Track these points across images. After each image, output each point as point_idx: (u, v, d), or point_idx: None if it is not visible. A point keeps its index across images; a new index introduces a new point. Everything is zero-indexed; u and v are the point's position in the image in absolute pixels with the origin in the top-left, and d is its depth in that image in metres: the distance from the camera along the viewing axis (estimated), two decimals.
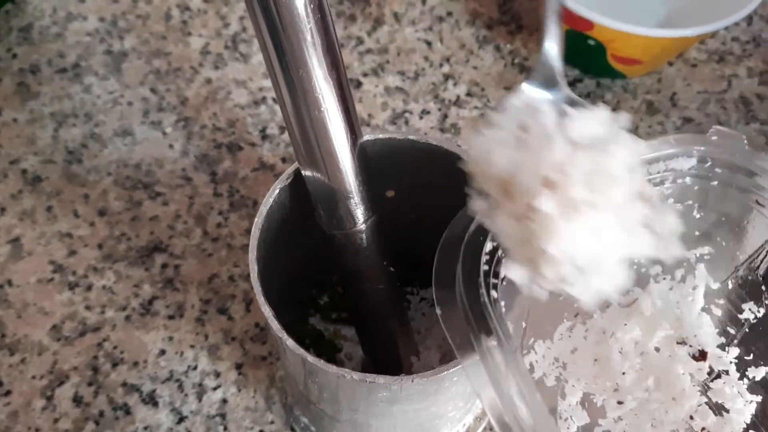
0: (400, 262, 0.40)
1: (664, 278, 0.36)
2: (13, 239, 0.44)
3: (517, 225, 0.21)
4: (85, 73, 0.51)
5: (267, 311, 0.28)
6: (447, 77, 0.51)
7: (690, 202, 0.33)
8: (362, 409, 0.30)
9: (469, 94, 0.51)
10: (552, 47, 0.25)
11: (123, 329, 0.41)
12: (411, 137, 0.31)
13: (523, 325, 0.31)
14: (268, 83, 0.50)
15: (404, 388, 0.27)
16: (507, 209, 0.21)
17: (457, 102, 0.50)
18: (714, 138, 0.31)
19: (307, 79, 0.26)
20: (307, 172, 0.29)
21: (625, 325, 0.35)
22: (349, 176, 0.29)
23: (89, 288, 0.43)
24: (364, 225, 0.30)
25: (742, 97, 0.51)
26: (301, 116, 0.27)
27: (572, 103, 0.24)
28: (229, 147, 0.48)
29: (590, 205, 0.19)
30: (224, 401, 0.40)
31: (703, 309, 0.36)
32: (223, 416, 0.39)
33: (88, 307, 0.42)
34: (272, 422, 0.39)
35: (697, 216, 0.33)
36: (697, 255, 0.35)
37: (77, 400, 0.39)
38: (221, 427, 0.39)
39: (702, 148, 0.31)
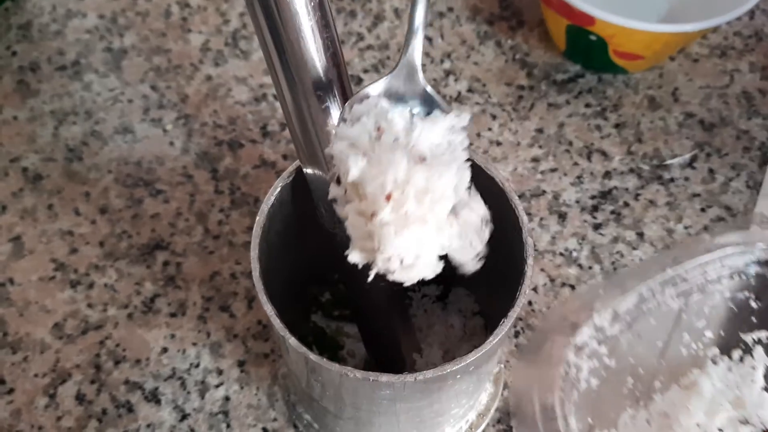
0: None
1: (722, 359, 0.36)
2: (14, 237, 0.44)
3: (363, 222, 0.24)
4: (85, 70, 0.51)
5: (269, 309, 0.28)
6: (448, 73, 0.51)
7: (746, 293, 0.35)
8: (365, 406, 0.30)
9: (470, 90, 0.51)
10: (417, 42, 0.25)
11: (125, 327, 0.41)
12: None
13: (590, 421, 0.32)
14: (268, 80, 0.50)
15: (407, 387, 0.27)
16: (356, 206, 0.25)
17: (458, 98, 0.50)
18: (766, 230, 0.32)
19: (307, 78, 0.26)
20: (308, 170, 0.29)
21: (688, 408, 0.35)
22: None
23: (91, 286, 0.43)
24: None
25: (745, 92, 0.51)
26: (302, 114, 0.27)
27: (428, 101, 0.26)
28: (230, 144, 0.48)
29: (420, 219, 0.24)
30: (227, 399, 0.40)
31: (764, 388, 0.36)
32: (225, 414, 0.39)
33: (90, 305, 0.42)
34: (275, 419, 0.39)
35: (755, 306, 0.35)
36: (755, 338, 0.36)
37: (80, 398, 0.39)
38: (224, 425, 0.39)
39: (759, 243, 0.32)
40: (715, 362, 0.36)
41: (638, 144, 0.48)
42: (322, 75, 0.26)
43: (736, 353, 0.36)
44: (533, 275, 0.44)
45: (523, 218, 0.29)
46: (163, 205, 0.45)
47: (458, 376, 0.28)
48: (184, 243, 0.44)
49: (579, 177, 0.47)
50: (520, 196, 0.46)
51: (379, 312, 0.34)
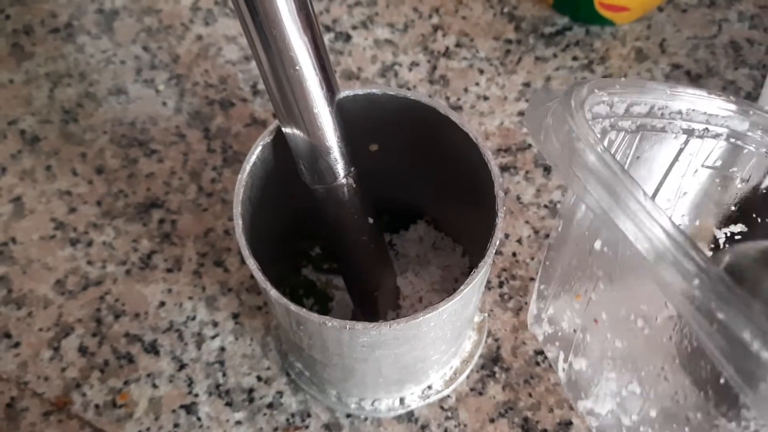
0: (389, 211, 0.41)
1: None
2: (15, 198, 0.46)
3: None
4: (77, 32, 0.51)
5: (252, 264, 0.29)
6: (436, 28, 0.52)
7: (735, 168, 0.31)
8: (347, 353, 0.31)
9: (458, 45, 0.51)
10: None
11: (124, 283, 0.43)
12: (389, 92, 0.32)
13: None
14: None
15: (383, 333, 0.28)
16: None
17: (446, 53, 0.51)
18: None
19: (281, 38, 0.27)
20: (287, 129, 0.30)
21: None
22: (327, 132, 0.30)
23: (90, 244, 0.44)
24: (344, 179, 0.31)
25: (732, 41, 0.51)
26: (277, 75, 0.28)
27: None
28: (221, 103, 0.49)
29: None
30: (222, 349, 0.41)
31: None
32: (221, 363, 0.41)
33: (89, 262, 0.44)
34: (268, 368, 0.41)
35: (739, 185, 0.32)
36: (728, 234, 0.32)
37: (83, 350, 0.41)
38: (220, 374, 0.41)
39: (757, 112, 0.30)
40: None
41: None
42: (295, 37, 0.27)
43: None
44: (519, 228, 0.45)
45: (495, 171, 0.30)
46: (157, 164, 0.47)
47: (432, 324, 0.29)
48: (179, 201, 0.45)
49: None
50: (506, 150, 0.47)
51: (362, 265, 0.36)
